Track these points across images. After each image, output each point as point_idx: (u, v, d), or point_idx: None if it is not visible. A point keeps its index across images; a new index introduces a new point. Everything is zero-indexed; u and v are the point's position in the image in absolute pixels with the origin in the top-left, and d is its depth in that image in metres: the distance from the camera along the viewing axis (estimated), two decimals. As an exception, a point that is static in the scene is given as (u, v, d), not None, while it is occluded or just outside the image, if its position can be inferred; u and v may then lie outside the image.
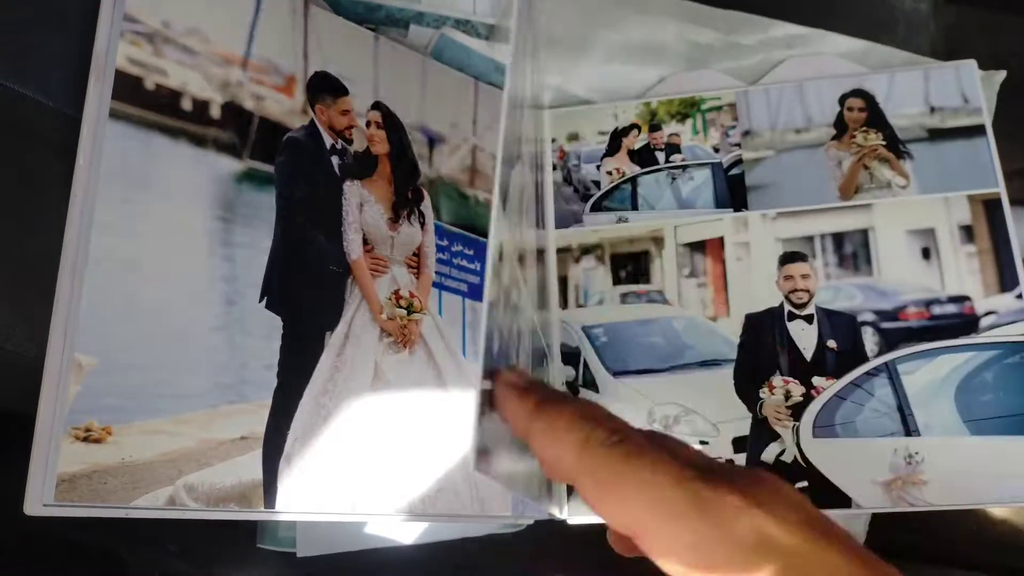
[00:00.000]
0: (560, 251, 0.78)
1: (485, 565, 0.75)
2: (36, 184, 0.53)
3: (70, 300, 0.49)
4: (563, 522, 0.71)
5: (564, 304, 0.77)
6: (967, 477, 0.64)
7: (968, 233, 0.71)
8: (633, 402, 0.72)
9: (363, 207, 0.67)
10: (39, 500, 0.45)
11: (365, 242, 0.66)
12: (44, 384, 0.47)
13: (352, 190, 0.66)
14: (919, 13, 0.82)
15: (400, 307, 0.65)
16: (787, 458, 0.68)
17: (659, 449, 0.35)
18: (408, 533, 0.70)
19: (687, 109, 0.79)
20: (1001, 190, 0.71)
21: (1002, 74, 0.77)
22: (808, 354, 0.70)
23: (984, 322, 0.69)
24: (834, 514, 0.72)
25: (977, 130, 0.73)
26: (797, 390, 0.69)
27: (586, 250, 0.78)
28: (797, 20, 0.80)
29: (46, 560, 0.59)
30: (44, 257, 0.52)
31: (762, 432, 0.69)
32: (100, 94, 0.52)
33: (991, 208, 0.71)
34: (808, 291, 0.72)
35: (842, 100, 0.76)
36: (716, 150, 0.78)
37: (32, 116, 0.53)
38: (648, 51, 0.81)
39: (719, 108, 0.79)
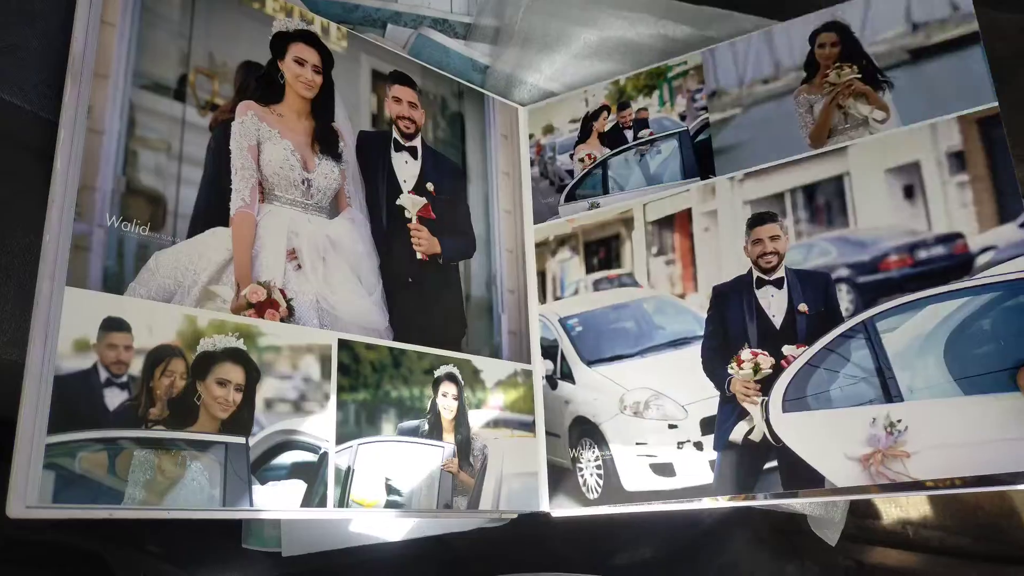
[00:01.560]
0: (538, 246, 0.79)
1: (471, 560, 0.75)
2: (13, 188, 0.53)
3: (50, 303, 0.49)
4: (547, 515, 0.71)
5: (543, 298, 0.78)
6: (958, 445, 0.56)
7: (959, 160, 0.62)
8: (606, 390, 0.72)
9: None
10: (22, 502, 0.45)
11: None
12: (25, 386, 0.47)
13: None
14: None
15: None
16: (755, 436, 0.65)
17: None
18: (394, 530, 0.71)
19: (654, 80, 0.78)
20: (997, 105, 0.61)
21: None
22: (777, 321, 0.66)
23: (980, 260, 0.59)
24: (808, 501, 0.73)
25: (968, 40, 0.64)
26: (766, 362, 0.65)
27: (561, 241, 0.78)
28: (768, 15, 0.80)
29: (30, 563, 0.59)
30: (22, 261, 0.52)
31: (730, 410, 0.66)
32: (77, 97, 0.52)
33: (986, 128, 0.61)
34: (777, 253, 0.68)
35: (812, 38, 0.70)
36: (683, 118, 0.76)
37: (8, 119, 0.53)
38: (624, 48, 0.81)
39: (685, 73, 0.77)
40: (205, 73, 0.60)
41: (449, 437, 0.67)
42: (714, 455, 0.66)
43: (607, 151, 0.79)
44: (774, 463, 0.64)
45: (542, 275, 0.78)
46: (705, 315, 0.70)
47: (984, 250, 0.60)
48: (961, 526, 0.84)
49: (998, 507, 0.87)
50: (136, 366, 0.52)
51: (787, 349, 0.65)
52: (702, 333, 0.70)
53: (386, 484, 0.62)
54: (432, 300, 0.71)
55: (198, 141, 0.59)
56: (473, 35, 0.81)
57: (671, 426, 0.68)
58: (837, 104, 0.68)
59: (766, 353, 0.66)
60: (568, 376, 0.74)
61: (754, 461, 0.64)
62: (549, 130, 0.81)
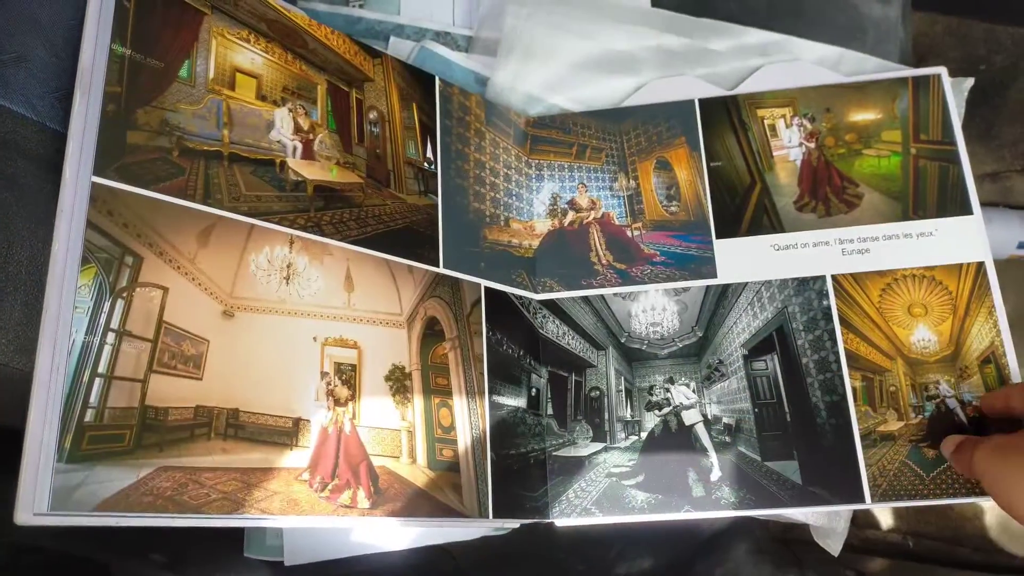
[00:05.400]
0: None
1: (474, 569, 0.76)
2: (20, 197, 0.53)
3: (58, 311, 0.49)
4: (549, 524, 0.72)
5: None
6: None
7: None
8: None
9: None
10: (30, 509, 0.45)
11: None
12: (34, 393, 0.47)
13: None
14: (888, 20, 0.84)
15: None
16: None
17: None
18: (397, 539, 0.71)
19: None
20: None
21: (970, 81, 0.79)
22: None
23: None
24: (812, 510, 0.73)
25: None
26: None
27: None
28: (768, 27, 0.81)
29: (34, 572, 0.59)
30: (28, 270, 0.52)
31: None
32: (86, 108, 0.53)
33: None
34: None
35: None
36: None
37: (16, 129, 0.54)
38: (624, 60, 0.82)
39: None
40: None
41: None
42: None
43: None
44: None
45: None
46: None
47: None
48: (961, 537, 0.85)
49: (997, 519, 0.87)
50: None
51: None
52: None
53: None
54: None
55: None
56: (474, 48, 0.82)
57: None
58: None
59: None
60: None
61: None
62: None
